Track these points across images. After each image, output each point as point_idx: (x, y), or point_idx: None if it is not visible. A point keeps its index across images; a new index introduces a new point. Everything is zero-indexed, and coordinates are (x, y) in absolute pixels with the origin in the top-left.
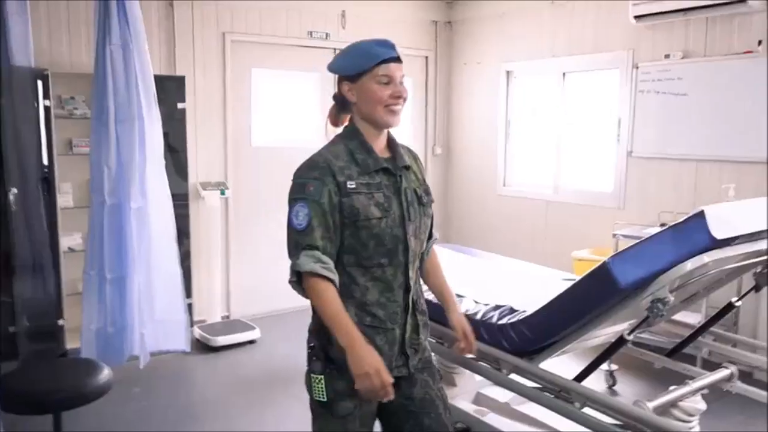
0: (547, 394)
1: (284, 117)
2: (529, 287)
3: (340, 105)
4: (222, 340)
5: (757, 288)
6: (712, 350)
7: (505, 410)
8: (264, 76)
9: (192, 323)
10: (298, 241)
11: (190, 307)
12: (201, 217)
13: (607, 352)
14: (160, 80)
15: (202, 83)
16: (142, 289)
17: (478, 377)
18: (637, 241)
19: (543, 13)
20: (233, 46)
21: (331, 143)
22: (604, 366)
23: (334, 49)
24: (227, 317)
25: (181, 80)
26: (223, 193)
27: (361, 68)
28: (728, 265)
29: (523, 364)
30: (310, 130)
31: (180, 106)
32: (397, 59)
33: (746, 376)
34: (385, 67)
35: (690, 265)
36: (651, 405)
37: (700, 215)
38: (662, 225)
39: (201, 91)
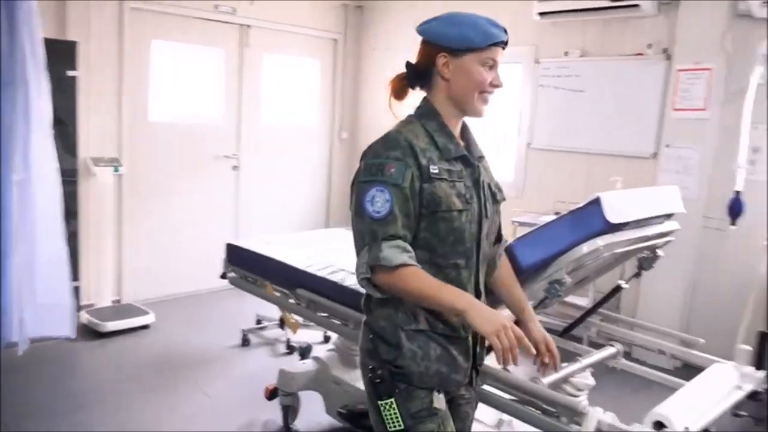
0: None
1: (185, 92)
2: None
3: (416, 77)
4: (112, 325)
5: (638, 273)
6: (599, 330)
7: None
8: (165, 49)
9: (79, 308)
10: (375, 231)
11: (77, 290)
12: (91, 195)
13: None
14: (48, 44)
15: (96, 51)
16: (22, 270)
17: None
18: (535, 226)
19: (453, 5)
20: (132, 14)
21: (406, 122)
22: None
23: (241, 24)
24: (118, 301)
25: (71, 46)
26: (116, 170)
27: (472, 44)
28: (618, 249)
29: None
30: (212, 108)
31: (70, 73)
32: (506, 44)
33: (626, 354)
34: (495, 50)
35: (586, 248)
36: (545, 381)
37: (596, 201)
38: (556, 213)
39: (95, 59)
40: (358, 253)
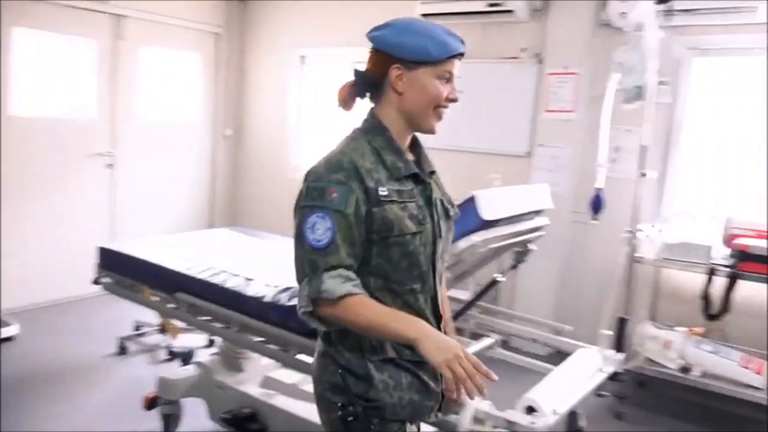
0: None
1: (51, 85)
2: None
3: (365, 86)
4: None
5: (514, 266)
6: (478, 322)
7: (293, 391)
8: (27, 37)
9: None
10: (315, 262)
11: None
12: None
13: None
14: None
15: None
16: None
17: (265, 361)
18: None
19: (337, 2)
20: None
21: (351, 139)
22: None
23: (114, 14)
24: None
25: None
26: None
27: (429, 56)
28: (494, 245)
29: (309, 344)
30: (83, 103)
31: None
32: (463, 55)
33: (504, 344)
34: (452, 62)
35: (463, 243)
36: None
37: (472, 199)
38: None
39: None
40: (299, 282)
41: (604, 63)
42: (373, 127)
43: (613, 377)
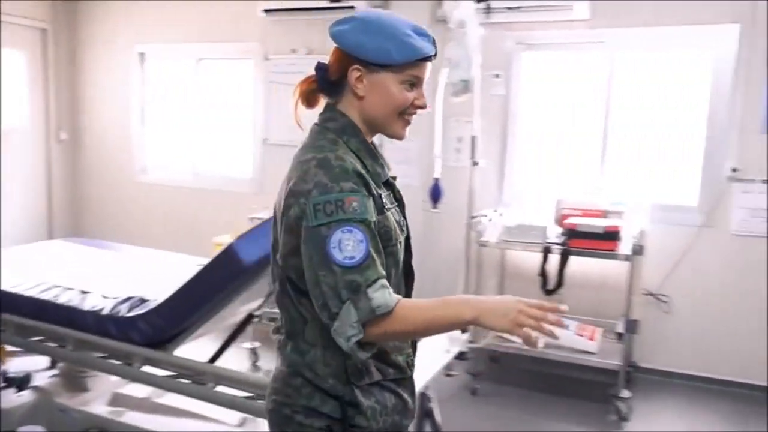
0: (183, 380)
1: None
2: (163, 276)
3: (327, 84)
4: None
5: None
6: None
7: (145, 406)
8: None
9: None
10: (354, 282)
11: None
12: None
13: (237, 331)
14: None
15: None
16: None
17: (113, 377)
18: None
19: None
20: None
21: (328, 141)
22: (248, 344)
23: None
24: None
25: None
26: None
27: (391, 60)
28: None
29: (154, 355)
30: None
31: None
32: (434, 56)
33: None
34: (420, 66)
35: None
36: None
37: None
38: None
39: None
40: (330, 315)
41: (439, 58)
42: (344, 126)
43: (460, 356)
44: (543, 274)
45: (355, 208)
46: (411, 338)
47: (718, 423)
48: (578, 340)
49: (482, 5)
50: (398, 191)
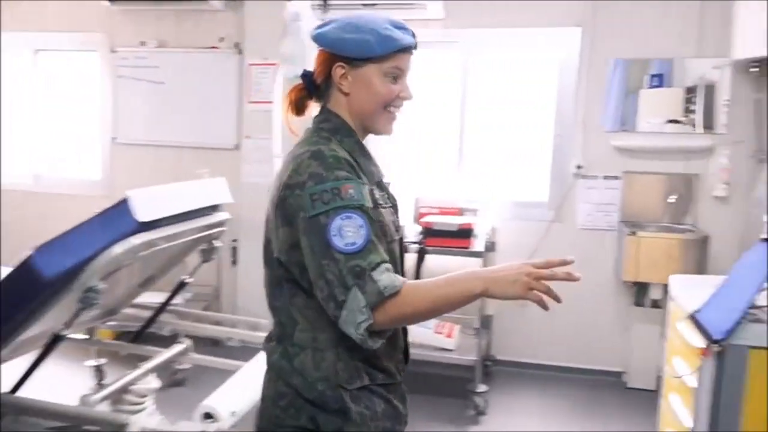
0: None
1: None
2: None
3: (313, 89)
4: None
5: (204, 261)
6: (173, 328)
7: None
8: None
9: None
10: (357, 266)
11: None
12: None
13: (43, 354)
14: None
15: None
16: None
17: None
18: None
19: None
20: None
21: (322, 138)
22: (92, 362)
23: None
24: None
25: None
26: None
27: (372, 52)
28: (160, 246)
29: None
30: None
31: None
32: (414, 48)
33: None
34: (400, 57)
35: (118, 249)
36: (97, 397)
37: (125, 201)
38: None
39: None
40: (338, 304)
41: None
42: (338, 127)
43: None
44: (401, 272)
45: (352, 195)
46: (422, 320)
47: (572, 409)
48: (436, 337)
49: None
50: (392, 194)
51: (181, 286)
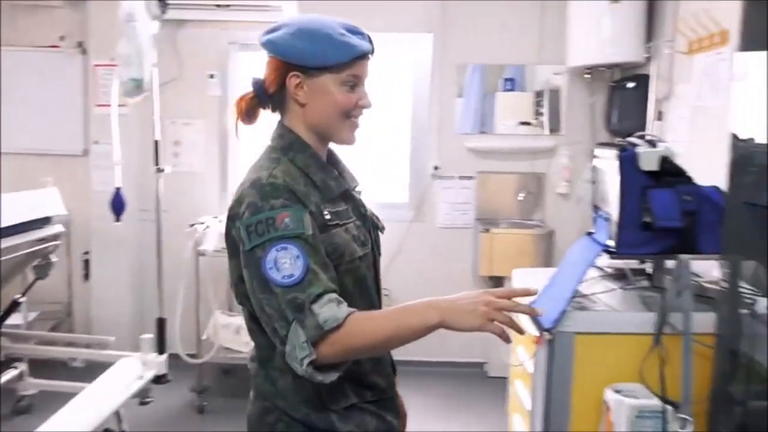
0: None
1: None
2: None
3: (266, 97)
4: None
5: (39, 278)
6: (8, 352)
7: None
8: None
9: None
10: (297, 299)
11: None
12: None
13: None
14: None
15: None
16: None
17: None
18: None
19: None
20: None
21: (271, 160)
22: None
23: None
24: None
25: None
26: None
27: (328, 61)
28: None
29: None
30: None
31: None
32: (372, 53)
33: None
34: (358, 64)
35: None
36: None
37: None
38: None
39: None
40: (281, 340)
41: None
42: (291, 143)
43: (158, 380)
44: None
45: (287, 224)
46: (375, 353)
47: (437, 401)
48: None
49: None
50: (360, 201)
51: (14, 306)
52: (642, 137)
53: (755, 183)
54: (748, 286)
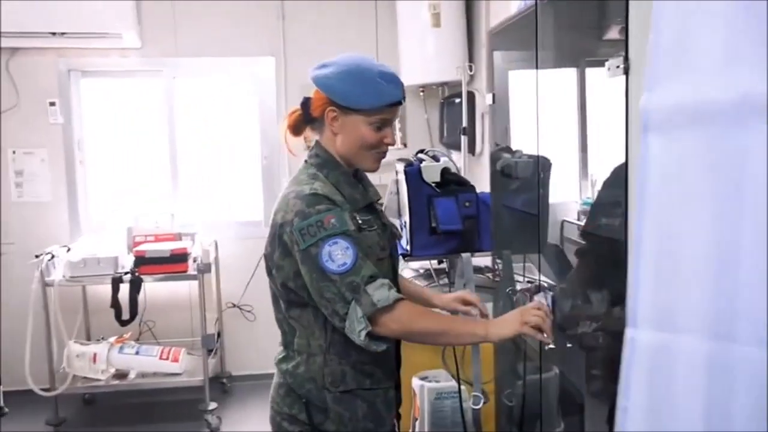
0: None
1: None
2: None
3: (309, 117)
4: None
5: None
6: None
7: None
8: None
9: None
10: (353, 282)
11: None
12: None
13: None
14: None
15: None
16: None
17: None
18: None
19: None
20: None
21: (309, 176)
22: None
23: None
24: None
25: None
26: None
27: (360, 105)
28: None
29: None
30: None
31: None
32: (402, 101)
33: None
34: (387, 110)
35: None
36: None
37: None
38: None
39: None
40: (341, 318)
41: None
42: (325, 161)
43: None
44: (115, 305)
45: (334, 224)
46: (425, 341)
47: None
48: (162, 363)
49: None
50: (384, 216)
51: None
52: (426, 152)
53: (513, 189)
54: (521, 275)
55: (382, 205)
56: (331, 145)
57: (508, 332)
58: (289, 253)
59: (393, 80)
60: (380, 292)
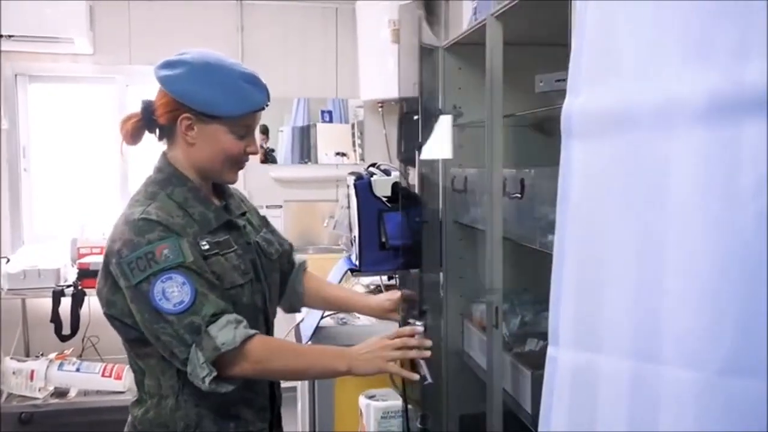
0: None
1: None
2: None
3: (152, 124)
4: None
5: None
6: None
7: None
8: None
9: None
10: (193, 323)
11: None
12: None
13: None
14: None
15: None
16: None
17: None
18: None
19: None
20: None
21: (147, 194)
22: None
23: None
24: None
25: None
26: None
27: (220, 111)
28: None
29: None
30: None
31: None
32: (266, 105)
33: None
34: (251, 116)
35: None
36: None
37: None
38: None
39: None
40: (182, 362)
41: None
42: (170, 177)
43: None
44: (56, 319)
45: (167, 255)
46: (285, 378)
47: None
48: (104, 381)
49: None
50: (245, 230)
51: None
52: (377, 166)
53: (460, 204)
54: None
55: (247, 217)
56: (182, 156)
57: (371, 369)
58: (119, 287)
59: (256, 82)
60: (225, 332)
